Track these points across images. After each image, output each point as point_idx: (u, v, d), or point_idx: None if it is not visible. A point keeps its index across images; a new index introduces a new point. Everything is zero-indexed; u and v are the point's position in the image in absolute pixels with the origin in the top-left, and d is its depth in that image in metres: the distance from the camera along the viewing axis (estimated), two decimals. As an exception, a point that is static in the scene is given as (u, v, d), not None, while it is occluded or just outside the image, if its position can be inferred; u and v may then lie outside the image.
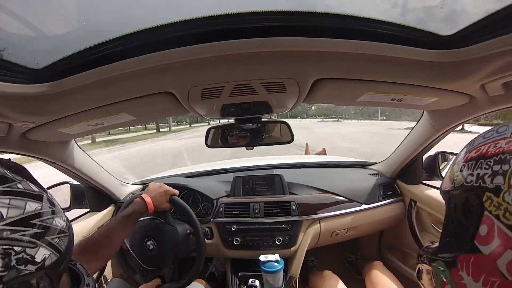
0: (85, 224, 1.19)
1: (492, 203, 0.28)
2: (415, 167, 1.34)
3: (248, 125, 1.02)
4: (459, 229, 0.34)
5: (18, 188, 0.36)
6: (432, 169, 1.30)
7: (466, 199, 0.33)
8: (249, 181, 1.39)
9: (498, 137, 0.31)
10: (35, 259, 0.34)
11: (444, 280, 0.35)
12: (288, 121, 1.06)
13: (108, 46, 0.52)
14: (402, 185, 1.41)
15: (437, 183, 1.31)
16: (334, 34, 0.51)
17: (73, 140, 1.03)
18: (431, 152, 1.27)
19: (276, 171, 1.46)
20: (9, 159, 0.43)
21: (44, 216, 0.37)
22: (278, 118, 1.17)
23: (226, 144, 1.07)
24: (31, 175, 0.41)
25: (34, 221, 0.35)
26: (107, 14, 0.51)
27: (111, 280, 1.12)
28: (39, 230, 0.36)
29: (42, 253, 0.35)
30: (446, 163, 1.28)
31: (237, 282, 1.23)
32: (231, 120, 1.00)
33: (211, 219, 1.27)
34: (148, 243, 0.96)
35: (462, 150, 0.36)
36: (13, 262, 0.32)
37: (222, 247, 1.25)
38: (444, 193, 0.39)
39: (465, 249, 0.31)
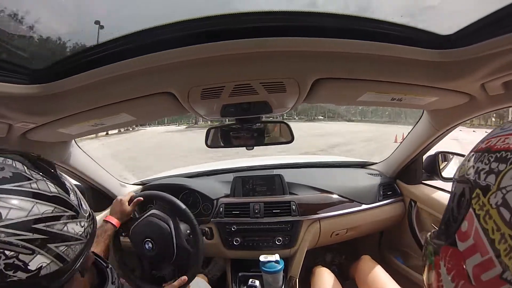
0: None
1: (478, 202, 0.27)
2: (415, 167, 1.34)
3: (248, 125, 1.02)
4: (451, 219, 0.34)
5: (31, 188, 0.33)
6: (432, 169, 1.30)
7: (462, 191, 0.32)
8: (249, 181, 1.39)
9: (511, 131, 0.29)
10: (28, 267, 0.31)
11: (430, 264, 0.36)
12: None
13: (108, 46, 0.52)
14: (402, 185, 1.41)
15: (437, 183, 1.31)
16: (334, 34, 0.51)
17: (73, 140, 1.03)
18: (431, 152, 1.27)
19: (276, 171, 1.46)
20: (39, 155, 0.40)
21: (52, 221, 0.34)
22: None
23: (226, 144, 1.06)
24: (55, 174, 0.38)
25: (37, 226, 0.32)
26: (106, 15, 0.51)
27: None
28: (41, 236, 0.32)
29: (38, 261, 0.32)
30: (446, 162, 1.28)
31: (237, 282, 1.23)
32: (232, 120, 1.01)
33: (211, 219, 1.27)
34: (147, 244, 0.96)
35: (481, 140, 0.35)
36: (1, 267, 0.29)
37: (222, 248, 1.25)
38: (453, 180, 0.38)
39: (449, 241, 0.32)
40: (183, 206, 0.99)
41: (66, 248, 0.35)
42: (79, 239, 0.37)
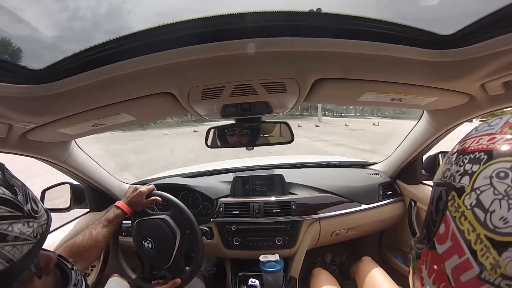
0: (85, 224, 1.19)
1: (453, 204, 0.28)
2: (415, 167, 1.34)
3: (248, 125, 1.02)
4: (430, 223, 0.34)
5: None
6: (432, 169, 1.30)
7: (439, 194, 0.32)
8: (249, 181, 1.39)
9: (484, 132, 0.29)
10: None
11: (414, 268, 0.36)
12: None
13: (108, 46, 0.52)
14: (402, 185, 1.41)
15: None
16: (334, 34, 0.51)
17: (73, 140, 1.03)
18: (431, 152, 1.27)
19: (276, 171, 1.46)
20: None
21: None
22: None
23: (226, 144, 1.06)
24: (2, 176, 0.38)
25: None
26: (106, 15, 0.51)
27: (111, 278, 1.13)
28: None
29: None
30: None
31: (237, 282, 1.23)
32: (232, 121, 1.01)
33: (211, 219, 1.27)
34: (146, 243, 0.96)
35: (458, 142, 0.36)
36: None
37: (222, 247, 1.25)
38: (433, 185, 0.38)
39: (429, 244, 0.32)
40: (195, 223, 0.98)
41: (11, 248, 0.35)
42: (26, 240, 0.37)
